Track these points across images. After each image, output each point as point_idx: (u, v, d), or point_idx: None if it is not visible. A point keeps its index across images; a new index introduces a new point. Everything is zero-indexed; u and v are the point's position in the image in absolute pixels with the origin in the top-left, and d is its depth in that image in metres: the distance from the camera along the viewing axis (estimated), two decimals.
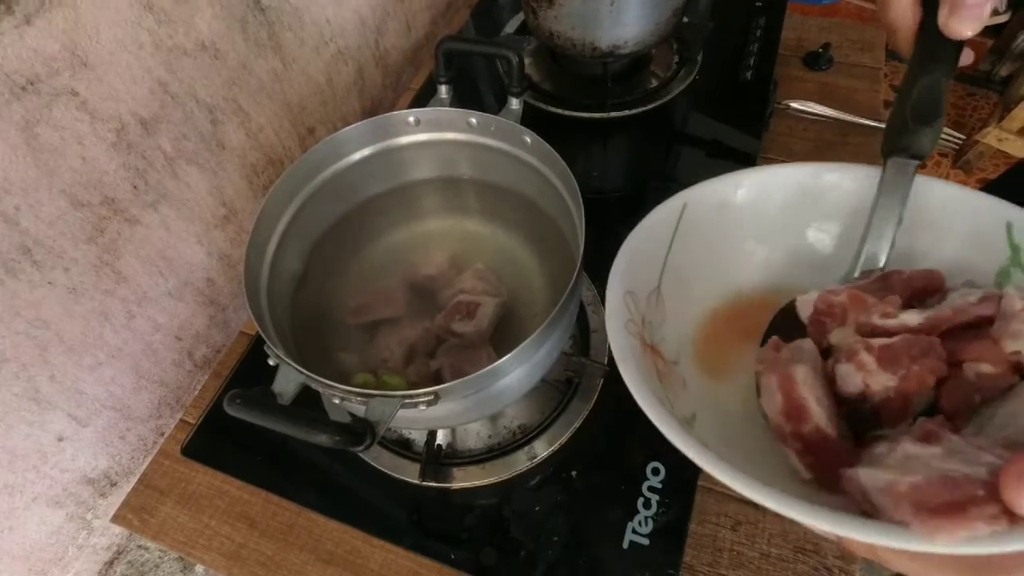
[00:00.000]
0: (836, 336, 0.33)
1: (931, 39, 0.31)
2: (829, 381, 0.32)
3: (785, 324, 0.36)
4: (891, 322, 0.31)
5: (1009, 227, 0.33)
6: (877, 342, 0.30)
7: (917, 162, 0.33)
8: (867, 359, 0.30)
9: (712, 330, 0.40)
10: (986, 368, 0.29)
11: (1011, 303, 0.30)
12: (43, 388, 0.49)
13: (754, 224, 0.40)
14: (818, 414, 0.30)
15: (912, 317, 0.31)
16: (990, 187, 0.95)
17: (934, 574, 0.23)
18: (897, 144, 0.34)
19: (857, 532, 0.22)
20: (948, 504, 0.21)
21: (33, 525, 0.53)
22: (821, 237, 0.40)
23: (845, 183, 0.38)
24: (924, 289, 0.34)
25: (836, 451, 0.29)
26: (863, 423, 0.31)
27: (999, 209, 0.34)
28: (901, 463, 0.25)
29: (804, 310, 0.35)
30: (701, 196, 0.39)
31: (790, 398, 0.31)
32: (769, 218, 0.39)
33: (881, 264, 0.35)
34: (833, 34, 0.86)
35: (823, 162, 0.38)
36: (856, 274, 0.36)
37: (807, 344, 0.33)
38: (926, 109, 0.33)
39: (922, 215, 0.36)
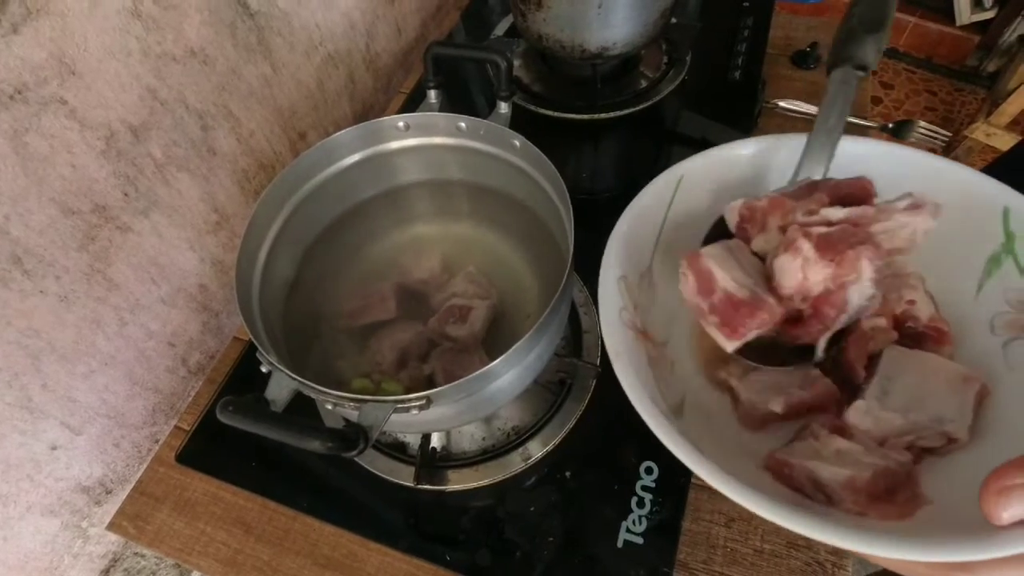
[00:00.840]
0: (758, 242, 0.34)
1: None
2: (766, 279, 0.32)
3: (722, 235, 0.36)
4: (814, 218, 0.31)
5: (1006, 212, 0.33)
6: (816, 230, 0.30)
7: (862, 73, 0.33)
8: (805, 246, 0.30)
9: None
10: (878, 322, 0.32)
11: (901, 265, 0.34)
12: (35, 397, 0.49)
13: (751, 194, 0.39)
14: (723, 278, 0.31)
15: (835, 212, 0.31)
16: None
17: (910, 567, 0.25)
18: (843, 54, 0.34)
19: (863, 546, 0.23)
20: (886, 491, 0.26)
21: (28, 535, 0.53)
22: None
23: (857, 149, 0.37)
24: (851, 195, 0.33)
25: (749, 309, 0.30)
26: (795, 329, 0.32)
27: (997, 192, 0.33)
28: (839, 457, 0.28)
29: (731, 219, 0.35)
30: (698, 167, 0.38)
31: (698, 272, 0.32)
32: (766, 188, 0.38)
33: (820, 175, 0.35)
34: (821, 33, 0.87)
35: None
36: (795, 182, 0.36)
37: (732, 241, 0.34)
38: (873, 19, 0.33)
39: (915, 190, 0.35)
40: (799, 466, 0.28)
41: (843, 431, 0.30)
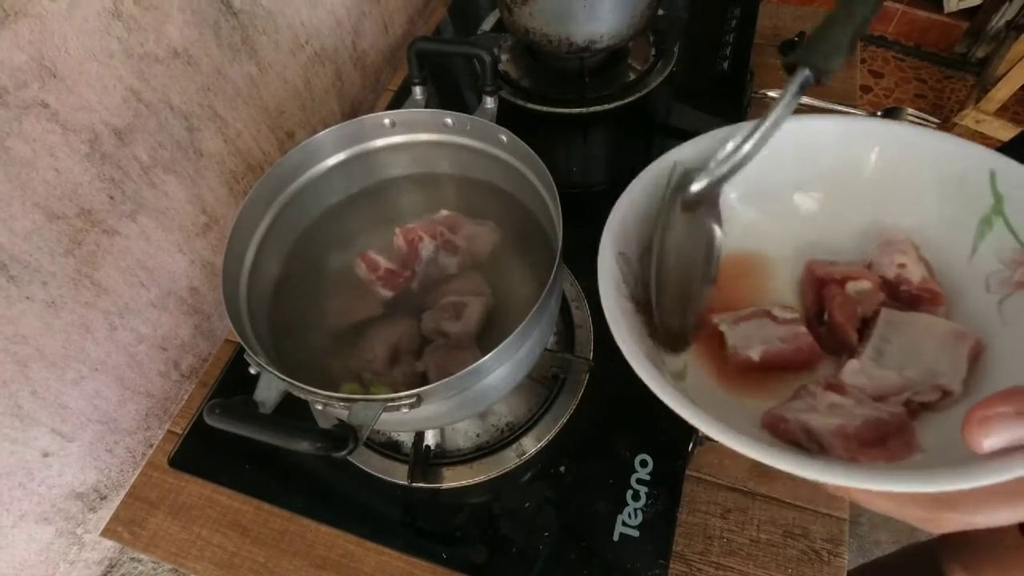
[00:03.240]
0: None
1: None
2: None
3: None
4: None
5: (992, 175, 0.34)
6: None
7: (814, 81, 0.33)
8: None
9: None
10: (864, 285, 0.35)
11: (892, 234, 0.37)
12: (25, 404, 0.48)
13: (741, 181, 0.39)
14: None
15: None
16: None
17: (901, 509, 0.26)
18: (809, 58, 0.33)
19: (847, 479, 0.24)
20: (877, 439, 0.28)
21: (22, 543, 0.52)
22: (804, 199, 0.41)
23: (844, 127, 0.38)
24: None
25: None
26: None
27: (982, 157, 0.35)
28: (831, 409, 0.30)
29: None
30: (691, 154, 0.40)
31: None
32: (755, 175, 0.39)
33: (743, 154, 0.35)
34: (808, 22, 0.87)
35: (811, 114, 0.39)
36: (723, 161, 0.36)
37: None
38: (844, 44, 0.32)
39: (904, 165, 0.37)
40: (793, 420, 0.30)
41: (839, 389, 0.31)
